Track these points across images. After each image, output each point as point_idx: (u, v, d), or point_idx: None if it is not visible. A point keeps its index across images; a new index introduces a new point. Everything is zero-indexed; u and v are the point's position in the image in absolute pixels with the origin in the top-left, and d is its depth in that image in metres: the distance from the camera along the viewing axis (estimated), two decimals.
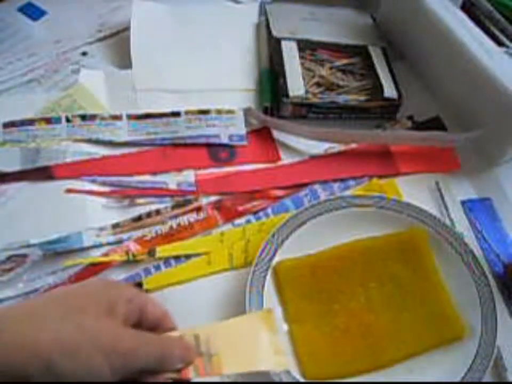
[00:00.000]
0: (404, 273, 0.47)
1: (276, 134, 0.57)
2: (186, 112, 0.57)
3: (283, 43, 0.60)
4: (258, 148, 0.57)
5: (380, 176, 0.55)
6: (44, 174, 0.52)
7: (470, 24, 0.56)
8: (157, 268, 0.48)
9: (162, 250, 0.49)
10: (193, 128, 0.56)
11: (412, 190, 0.54)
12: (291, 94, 0.56)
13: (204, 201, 0.52)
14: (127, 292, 0.32)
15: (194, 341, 0.34)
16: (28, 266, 0.47)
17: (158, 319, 0.33)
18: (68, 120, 0.55)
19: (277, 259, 0.47)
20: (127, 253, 0.48)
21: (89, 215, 0.50)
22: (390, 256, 0.48)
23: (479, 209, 0.53)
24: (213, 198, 0.53)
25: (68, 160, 0.53)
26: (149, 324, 0.33)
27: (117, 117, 0.56)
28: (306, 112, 0.58)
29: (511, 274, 0.49)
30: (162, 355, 0.31)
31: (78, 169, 0.53)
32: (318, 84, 0.58)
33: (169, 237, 0.50)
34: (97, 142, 0.55)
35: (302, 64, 0.59)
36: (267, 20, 0.65)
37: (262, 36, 0.64)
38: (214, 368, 0.33)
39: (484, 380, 0.43)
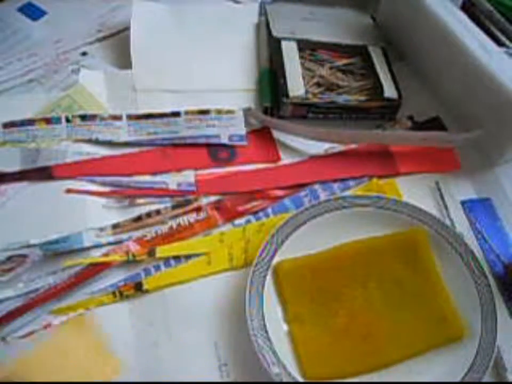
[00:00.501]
0: (404, 273, 0.47)
1: (276, 134, 0.57)
2: (186, 112, 0.57)
3: (283, 43, 0.60)
4: (258, 148, 0.57)
5: (380, 176, 0.55)
6: (44, 174, 0.52)
7: (470, 24, 0.56)
8: (157, 268, 0.48)
9: (162, 251, 0.49)
10: (193, 128, 0.56)
11: (412, 190, 0.54)
12: (291, 94, 0.56)
13: (204, 201, 0.52)
14: None
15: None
16: (28, 267, 0.47)
17: None
18: (67, 120, 0.55)
19: (277, 259, 0.47)
20: (127, 253, 0.48)
21: (89, 215, 0.50)
22: (390, 256, 0.48)
23: (479, 209, 0.53)
24: (213, 198, 0.53)
25: (68, 160, 0.53)
26: None
27: (116, 117, 0.56)
28: (306, 112, 0.58)
29: (511, 274, 0.49)
30: None
31: (78, 169, 0.53)
32: (318, 84, 0.58)
33: (169, 237, 0.50)
34: (97, 142, 0.55)
35: (302, 64, 0.59)
36: (267, 20, 0.65)
37: (262, 35, 0.64)
38: None
39: (484, 380, 0.43)
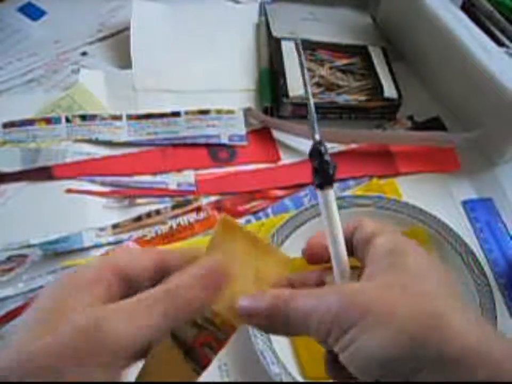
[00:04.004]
0: None
1: (276, 134, 0.57)
2: (186, 112, 0.57)
3: (283, 43, 0.60)
4: (258, 148, 0.57)
5: (380, 176, 0.55)
6: (44, 174, 0.52)
7: (470, 24, 0.56)
8: None
9: None
10: (193, 128, 0.56)
11: (412, 190, 0.54)
12: (291, 94, 0.56)
13: (203, 201, 0.52)
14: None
15: None
16: (28, 266, 0.47)
17: (156, 266, 0.28)
18: (67, 120, 0.55)
19: None
20: None
21: (89, 215, 0.50)
22: None
23: (479, 209, 0.53)
24: (213, 198, 0.53)
25: (68, 160, 0.53)
26: (161, 273, 0.28)
27: (117, 117, 0.56)
28: (306, 112, 0.57)
29: None
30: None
31: (78, 169, 0.53)
32: (318, 84, 0.58)
33: (169, 237, 0.50)
34: (97, 142, 0.55)
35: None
36: (267, 20, 0.65)
37: (262, 35, 0.64)
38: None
39: None
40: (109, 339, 0.24)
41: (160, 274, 0.28)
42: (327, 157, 0.28)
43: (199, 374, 0.28)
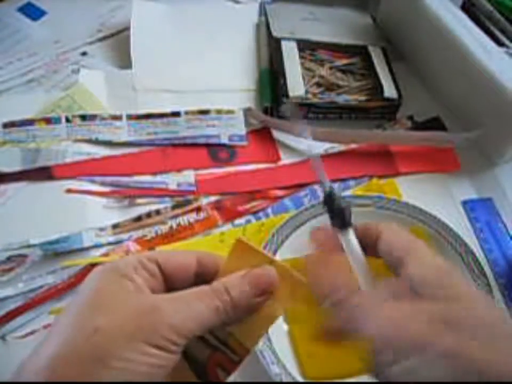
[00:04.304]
0: None
1: (276, 134, 0.57)
2: (186, 112, 0.57)
3: (283, 43, 0.60)
4: (258, 148, 0.57)
5: (380, 176, 0.55)
6: (44, 174, 0.52)
7: (470, 24, 0.56)
8: None
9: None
10: (193, 128, 0.56)
11: (412, 190, 0.54)
12: (291, 94, 0.56)
13: (203, 201, 0.52)
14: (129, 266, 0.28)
15: None
16: (28, 266, 0.47)
17: (197, 265, 0.29)
18: (67, 120, 0.55)
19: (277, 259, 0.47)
20: (127, 253, 0.48)
21: (89, 215, 0.50)
22: None
23: (479, 209, 0.53)
24: (213, 198, 0.53)
25: (68, 160, 0.53)
26: (198, 274, 0.29)
27: (117, 117, 0.56)
28: (306, 112, 0.58)
29: None
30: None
31: (78, 169, 0.53)
32: (318, 84, 0.58)
33: (169, 237, 0.50)
34: (97, 142, 0.55)
35: (302, 64, 0.59)
36: (267, 20, 0.65)
37: (262, 35, 0.64)
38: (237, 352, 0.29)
39: None
40: (164, 324, 0.25)
41: (197, 276, 0.29)
42: (341, 203, 0.30)
43: None
